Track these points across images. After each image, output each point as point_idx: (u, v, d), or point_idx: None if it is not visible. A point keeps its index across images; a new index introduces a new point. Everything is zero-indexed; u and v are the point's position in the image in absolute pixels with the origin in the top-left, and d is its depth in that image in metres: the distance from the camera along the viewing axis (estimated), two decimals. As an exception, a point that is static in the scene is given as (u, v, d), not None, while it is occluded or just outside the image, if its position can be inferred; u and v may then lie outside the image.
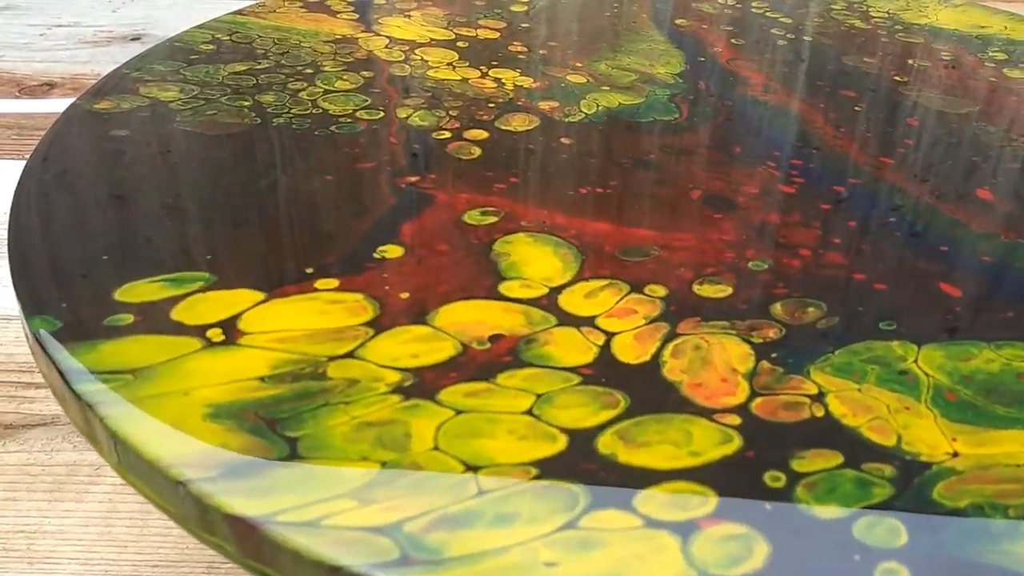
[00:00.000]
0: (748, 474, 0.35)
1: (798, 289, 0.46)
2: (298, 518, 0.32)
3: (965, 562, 0.32)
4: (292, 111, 0.60)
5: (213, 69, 0.65)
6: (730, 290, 0.45)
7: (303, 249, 0.47)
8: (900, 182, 0.57)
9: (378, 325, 0.41)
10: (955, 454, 0.36)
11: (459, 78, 0.67)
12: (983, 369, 0.41)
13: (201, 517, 0.33)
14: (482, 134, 0.59)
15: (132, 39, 1.66)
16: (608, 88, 0.67)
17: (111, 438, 0.36)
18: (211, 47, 0.69)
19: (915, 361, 0.41)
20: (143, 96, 0.61)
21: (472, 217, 0.50)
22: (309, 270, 0.45)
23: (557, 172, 0.56)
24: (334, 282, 0.44)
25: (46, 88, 1.44)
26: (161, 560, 0.77)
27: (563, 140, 0.59)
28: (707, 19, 0.84)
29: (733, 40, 0.79)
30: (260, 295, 0.43)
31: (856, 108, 0.67)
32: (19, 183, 0.51)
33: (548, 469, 0.34)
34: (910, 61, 0.77)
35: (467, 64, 0.69)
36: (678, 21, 0.83)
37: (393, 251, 0.47)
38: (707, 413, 0.38)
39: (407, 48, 0.72)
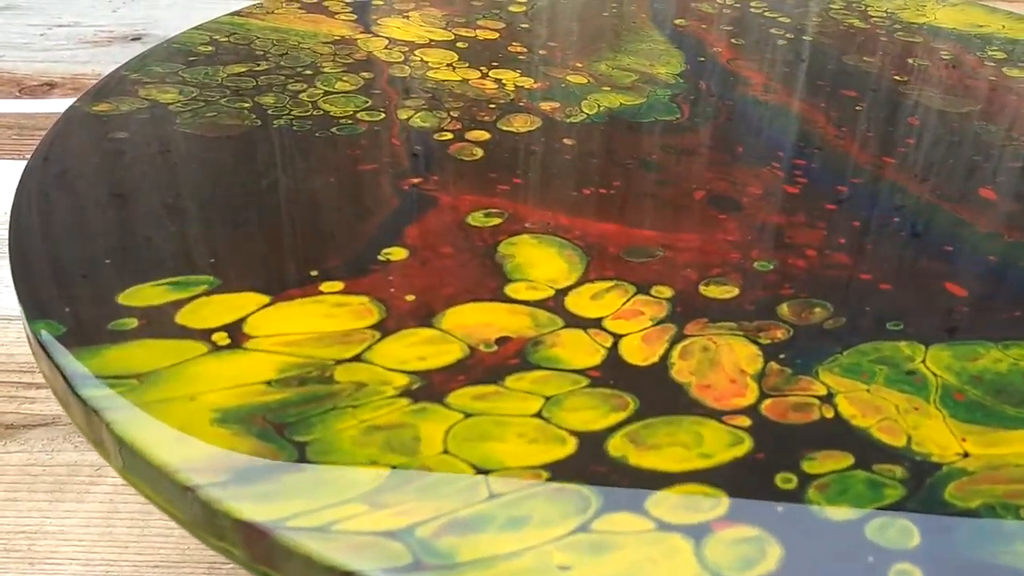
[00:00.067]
0: (759, 476, 0.35)
1: (804, 289, 0.46)
2: (309, 523, 0.32)
3: (979, 563, 0.32)
4: (293, 113, 0.60)
5: (212, 71, 0.65)
6: (736, 291, 0.45)
7: (307, 252, 0.47)
8: (904, 182, 0.57)
9: (384, 328, 0.41)
10: (965, 454, 0.36)
11: (459, 79, 0.67)
12: (991, 369, 0.41)
13: (210, 522, 0.33)
14: (484, 135, 0.59)
15: (133, 39, 1.65)
16: (609, 88, 0.67)
17: (118, 443, 0.35)
18: (209, 49, 0.69)
19: (923, 361, 0.41)
20: (142, 98, 0.61)
21: (476, 219, 0.50)
22: (313, 273, 0.45)
23: (560, 173, 0.56)
24: (339, 285, 0.44)
25: (46, 88, 1.43)
26: (162, 560, 0.76)
27: (565, 141, 0.59)
28: (706, 19, 0.84)
29: (733, 40, 0.79)
30: (265, 298, 0.42)
31: (857, 108, 0.67)
32: (20, 183, 0.51)
33: (559, 472, 0.34)
34: (910, 60, 0.77)
35: (467, 65, 0.69)
36: (677, 21, 0.83)
37: (398, 253, 0.46)
38: (717, 415, 0.37)
39: (406, 49, 0.72)
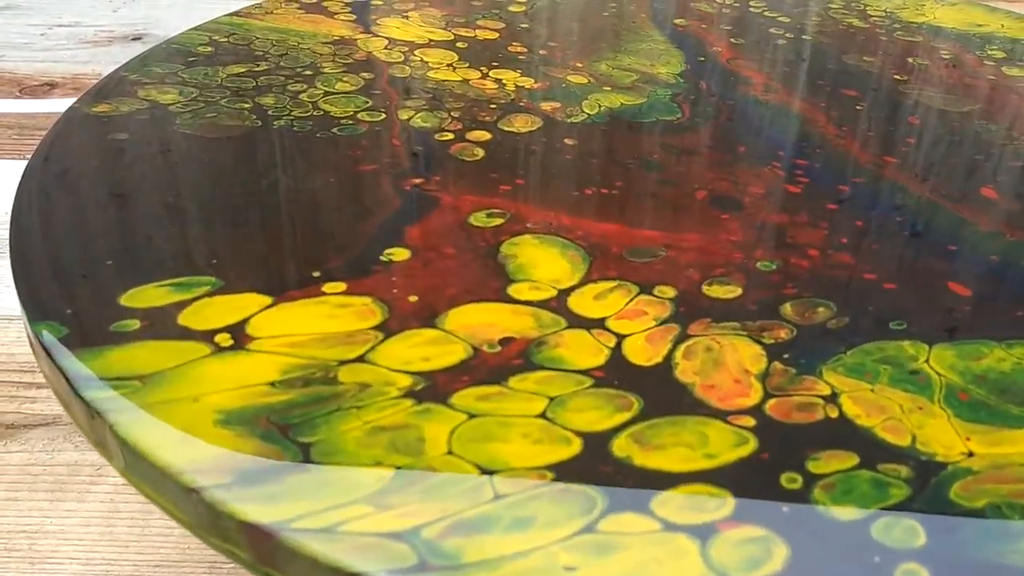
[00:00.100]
0: (764, 476, 0.35)
1: (808, 289, 0.46)
2: (314, 524, 0.32)
3: (985, 563, 0.32)
4: (293, 113, 0.60)
5: (212, 71, 0.65)
6: (739, 291, 0.45)
7: (309, 253, 0.47)
8: (905, 181, 0.57)
9: (387, 329, 0.41)
10: (970, 454, 0.36)
11: (460, 79, 0.67)
12: (995, 368, 0.41)
13: (214, 524, 0.33)
14: (485, 135, 0.59)
15: (133, 39, 1.65)
16: (609, 88, 0.67)
17: (121, 445, 0.35)
18: (209, 49, 0.69)
19: (926, 361, 0.41)
20: (142, 99, 0.60)
21: (478, 219, 0.50)
22: (316, 274, 0.44)
23: (562, 173, 0.56)
24: (341, 285, 0.44)
25: (47, 88, 1.43)
26: (163, 560, 0.76)
27: (566, 141, 0.59)
28: (706, 19, 0.84)
29: (733, 40, 0.79)
30: (267, 299, 0.42)
31: (858, 107, 0.67)
32: (20, 183, 0.51)
33: (564, 473, 0.34)
34: (910, 60, 0.77)
35: (467, 65, 0.69)
36: (677, 21, 0.82)
37: (400, 254, 0.46)
38: (721, 415, 0.37)
39: (406, 49, 0.72)
